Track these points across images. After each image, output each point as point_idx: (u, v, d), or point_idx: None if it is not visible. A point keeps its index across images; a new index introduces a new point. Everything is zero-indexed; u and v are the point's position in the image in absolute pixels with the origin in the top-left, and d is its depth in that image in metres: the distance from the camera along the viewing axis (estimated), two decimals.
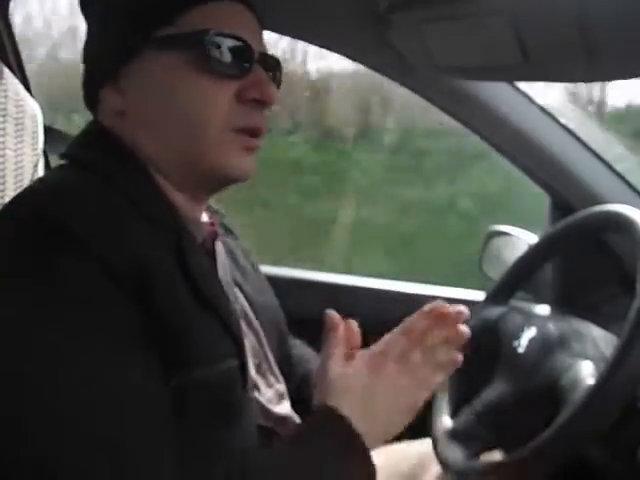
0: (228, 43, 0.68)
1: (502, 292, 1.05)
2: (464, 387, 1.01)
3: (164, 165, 0.71)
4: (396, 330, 0.74)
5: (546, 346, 0.87)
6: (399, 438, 0.75)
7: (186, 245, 0.67)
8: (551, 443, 0.75)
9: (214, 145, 0.69)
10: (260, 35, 0.73)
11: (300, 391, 0.88)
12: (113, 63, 0.69)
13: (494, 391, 0.92)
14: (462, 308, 0.73)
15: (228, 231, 0.90)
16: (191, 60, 0.67)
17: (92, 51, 0.72)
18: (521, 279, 1.05)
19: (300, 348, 0.99)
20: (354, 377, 0.70)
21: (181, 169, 0.71)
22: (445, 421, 0.97)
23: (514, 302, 1.04)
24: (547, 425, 0.77)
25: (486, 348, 0.98)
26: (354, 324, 0.77)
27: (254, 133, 0.71)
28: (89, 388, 0.55)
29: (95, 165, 0.68)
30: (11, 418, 0.55)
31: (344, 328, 0.75)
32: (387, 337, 0.74)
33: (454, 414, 0.97)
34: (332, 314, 0.75)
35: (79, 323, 0.57)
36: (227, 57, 0.68)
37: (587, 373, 0.79)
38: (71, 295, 0.58)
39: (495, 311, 1.01)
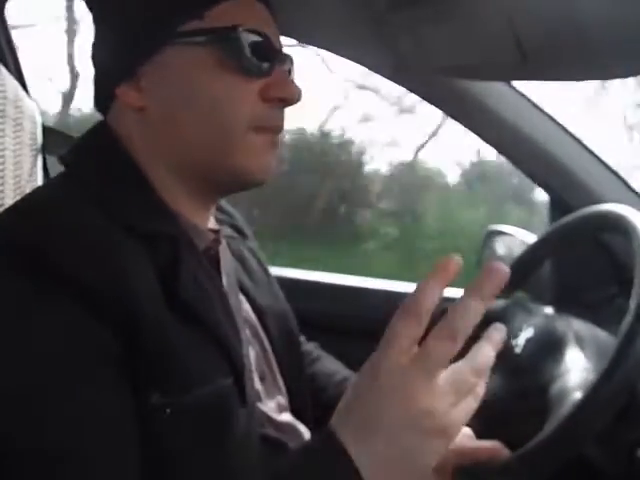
0: (255, 40, 0.66)
1: (507, 284, 1.04)
2: None
3: (180, 167, 0.68)
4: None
5: (541, 350, 0.87)
6: None
7: (183, 261, 0.64)
8: (533, 456, 0.74)
9: (239, 144, 0.67)
10: (277, 33, 0.72)
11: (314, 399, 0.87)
12: (135, 59, 0.66)
13: (488, 385, 0.92)
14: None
15: (239, 232, 0.88)
16: (218, 56, 0.65)
17: (108, 47, 0.68)
18: (525, 273, 1.04)
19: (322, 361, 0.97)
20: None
21: (199, 170, 0.68)
22: None
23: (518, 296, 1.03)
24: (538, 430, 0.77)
25: None
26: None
27: (275, 131, 0.70)
28: (59, 418, 0.53)
29: (91, 179, 0.65)
30: None
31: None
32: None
33: None
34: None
35: (49, 355, 0.55)
36: (254, 55, 0.66)
37: (575, 385, 0.79)
38: (43, 326, 0.55)
39: (500, 302, 1.01)
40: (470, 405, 0.53)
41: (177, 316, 0.61)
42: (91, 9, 0.71)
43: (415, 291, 0.51)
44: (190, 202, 0.70)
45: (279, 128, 0.70)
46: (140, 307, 0.58)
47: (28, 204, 0.64)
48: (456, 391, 0.51)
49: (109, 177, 0.66)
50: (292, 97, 0.69)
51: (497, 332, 0.56)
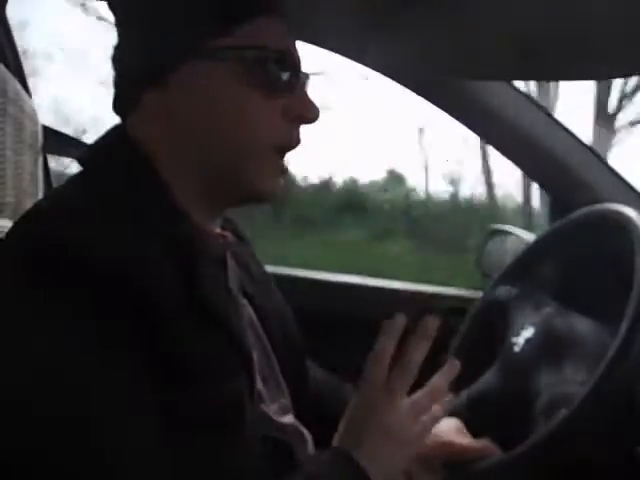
0: (280, 60, 0.68)
1: (513, 276, 1.04)
2: (468, 366, 1.00)
3: (199, 175, 0.70)
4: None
5: (538, 355, 0.87)
6: None
7: (199, 261, 0.66)
8: (519, 461, 0.75)
9: (257, 163, 0.69)
10: (296, 48, 0.73)
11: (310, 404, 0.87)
12: (162, 70, 0.67)
13: (485, 381, 0.92)
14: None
15: (239, 238, 0.89)
16: (244, 73, 0.67)
17: (135, 53, 0.69)
18: (525, 272, 1.04)
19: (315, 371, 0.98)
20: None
21: (214, 182, 0.70)
22: None
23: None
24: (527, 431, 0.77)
25: (494, 330, 0.97)
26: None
27: (290, 151, 0.72)
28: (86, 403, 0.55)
29: (114, 183, 0.66)
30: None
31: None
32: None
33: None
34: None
35: (76, 347, 0.56)
36: (281, 73, 0.68)
37: (561, 402, 0.78)
38: (72, 320, 0.57)
39: (507, 291, 1.01)
40: (429, 423, 0.70)
41: (195, 316, 0.63)
42: (115, 13, 0.71)
43: (378, 347, 0.69)
44: (204, 208, 0.72)
45: (297, 146, 0.72)
46: (162, 307, 0.60)
47: (54, 207, 0.65)
48: (415, 412, 0.69)
49: (131, 182, 0.67)
50: (314, 115, 0.71)
51: (452, 367, 0.73)
